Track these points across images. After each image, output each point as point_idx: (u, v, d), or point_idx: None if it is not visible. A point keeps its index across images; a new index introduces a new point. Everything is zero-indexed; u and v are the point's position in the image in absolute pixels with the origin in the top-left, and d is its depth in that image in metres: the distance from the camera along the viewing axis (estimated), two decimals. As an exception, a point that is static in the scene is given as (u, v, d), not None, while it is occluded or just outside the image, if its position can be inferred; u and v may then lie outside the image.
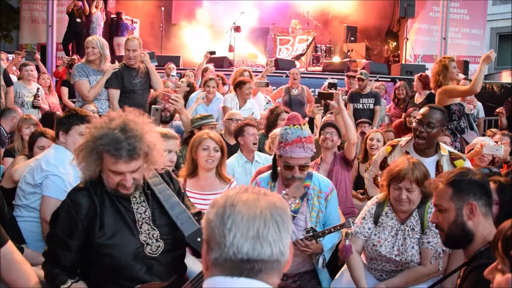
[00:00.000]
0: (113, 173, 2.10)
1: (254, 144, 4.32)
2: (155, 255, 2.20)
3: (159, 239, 2.22)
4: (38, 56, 8.70)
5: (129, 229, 2.18)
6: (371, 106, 7.19)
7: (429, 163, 3.24)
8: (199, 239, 2.16)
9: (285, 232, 1.24)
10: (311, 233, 2.78)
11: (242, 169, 4.24)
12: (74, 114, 3.16)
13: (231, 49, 11.84)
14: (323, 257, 2.89)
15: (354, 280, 2.85)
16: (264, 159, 4.32)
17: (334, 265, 3.13)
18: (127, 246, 2.15)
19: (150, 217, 2.24)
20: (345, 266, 3.03)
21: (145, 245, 2.19)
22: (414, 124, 3.40)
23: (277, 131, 3.44)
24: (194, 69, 8.06)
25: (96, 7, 10.95)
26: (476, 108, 6.82)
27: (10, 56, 8.07)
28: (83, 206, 2.16)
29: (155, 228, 2.23)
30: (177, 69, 8.44)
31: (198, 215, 2.34)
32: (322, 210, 2.95)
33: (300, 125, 2.85)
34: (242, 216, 1.21)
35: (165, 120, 4.51)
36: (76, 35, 10.54)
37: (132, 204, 2.23)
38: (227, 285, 1.19)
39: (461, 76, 7.73)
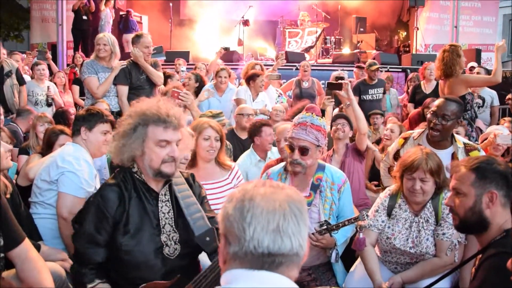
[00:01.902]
0: (160, 145, 2.16)
1: (270, 144, 4.30)
2: (172, 257, 2.22)
3: (177, 242, 2.25)
4: (49, 55, 8.79)
5: (152, 228, 2.21)
6: (380, 96, 7.15)
7: (444, 155, 3.19)
8: (208, 239, 2.19)
9: (303, 225, 1.24)
10: (325, 226, 2.78)
11: (256, 168, 4.21)
12: (98, 112, 3.18)
13: (240, 43, 11.81)
14: (336, 251, 2.89)
15: (368, 272, 2.84)
16: (277, 153, 4.30)
17: (348, 258, 3.12)
18: (148, 245, 2.17)
19: (173, 219, 2.26)
20: (359, 259, 3.02)
21: (164, 246, 2.21)
22: (428, 116, 3.35)
23: (279, 125, 3.39)
24: (204, 63, 8.06)
25: (105, 5, 10.98)
26: (490, 96, 6.73)
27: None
28: (114, 202, 2.19)
29: (176, 230, 2.26)
30: (187, 64, 8.44)
31: (213, 218, 2.33)
32: (335, 202, 2.94)
33: (312, 113, 2.86)
34: (261, 210, 1.21)
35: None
36: (82, 33, 10.59)
37: (159, 202, 2.25)
38: (248, 278, 1.19)
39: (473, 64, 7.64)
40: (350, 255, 3.10)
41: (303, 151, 2.81)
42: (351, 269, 3.09)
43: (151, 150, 2.17)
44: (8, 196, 2.60)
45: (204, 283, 1.99)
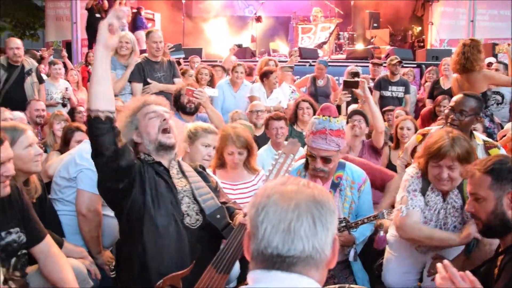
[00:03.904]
0: (150, 117, 2.30)
1: (277, 136, 4.28)
2: (194, 227, 2.24)
3: (198, 213, 2.28)
4: (65, 53, 8.87)
5: (171, 196, 2.24)
6: (400, 95, 7.00)
7: None
8: (218, 216, 2.25)
9: (322, 227, 1.14)
10: (344, 224, 2.76)
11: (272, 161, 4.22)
12: None
13: (253, 39, 11.81)
14: (354, 250, 2.86)
15: (443, 241, 2.61)
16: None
17: (367, 255, 3.10)
18: (170, 214, 2.20)
19: (190, 191, 2.31)
20: (385, 258, 2.98)
21: (185, 215, 2.24)
22: (446, 111, 3.29)
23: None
24: (211, 65, 8.03)
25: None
26: (509, 93, 6.62)
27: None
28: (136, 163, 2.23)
29: (194, 202, 2.29)
30: (201, 61, 8.46)
31: (224, 204, 2.40)
32: (355, 201, 2.91)
33: (330, 116, 2.77)
34: (275, 208, 1.14)
35: (189, 112, 4.53)
36: (96, 31, 10.64)
37: (173, 180, 2.30)
38: (267, 278, 1.14)
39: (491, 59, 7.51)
40: (369, 254, 3.08)
41: (326, 160, 2.77)
42: (385, 263, 3.06)
43: (145, 126, 2.30)
44: (34, 200, 2.63)
45: (224, 261, 2.03)
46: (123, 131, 2.27)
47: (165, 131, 2.30)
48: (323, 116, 2.79)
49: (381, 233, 2.75)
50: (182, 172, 2.38)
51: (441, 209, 2.70)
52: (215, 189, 2.46)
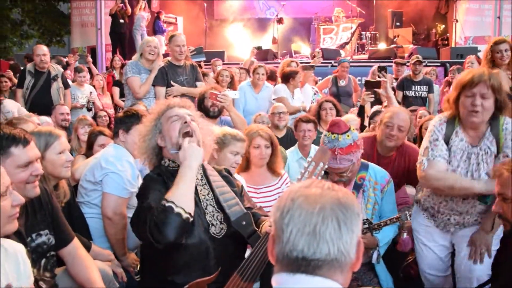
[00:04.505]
0: (172, 120, 2.27)
1: (304, 139, 4.27)
2: (219, 237, 2.20)
3: (222, 222, 2.24)
4: (90, 59, 9.08)
5: (196, 208, 2.16)
6: (424, 94, 6.91)
7: None
8: (244, 223, 2.19)
9: (346, 230, 1.14)
10: (367, 225, 2.75)
11: (296, 164, 4.21)
12: (135, 114, 3.24)
13: (274, 41, 11.82)
14: (377, 252, 2.83)
15: (465, 190, 2.56)
16: None
17: (391, 257, 3.07)
18: (196, 224, 2.15)
19: (213, 200, 2.27)
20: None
21: (210, 225, 2.20)
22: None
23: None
24: (229, 67, 8.08)
25: (140, 8, 11.23)
26: None
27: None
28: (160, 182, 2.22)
29: (218, 210, 2.25)
30: (223, 64, 8.52)
31: (250, 209, 2.34)
32: (378, 202, 2.89)
33: (338, 134, 2.72)
34: (300, 211, 1.15)
35: (213, 115, 4.58)
36: (119, 36, 10.87)
37: (197, 186, 2.25)
38: (291, 281, 1.15)
39: None
40: (393, 256, 3.05)
41: (342, 173, 2.76)
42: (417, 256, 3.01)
43: (167, 130, 2.27)
44: (63, 204, 2.70)
45: (249, 270, 2.00)
46: (148, 135, 2.30)
47: (186, 134, 2.25)
48: (332, 133, 2.74)
49: (405, 235, 2.72)
50: (206, 177, 2.33)
51: (471, 154, 2.61)
52: (240, 194, 2.41)
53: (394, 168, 3.34)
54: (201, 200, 2.25)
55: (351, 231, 1.15)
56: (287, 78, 5.95)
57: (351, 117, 4.45)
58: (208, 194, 2.29)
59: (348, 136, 2.71)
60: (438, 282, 2.97)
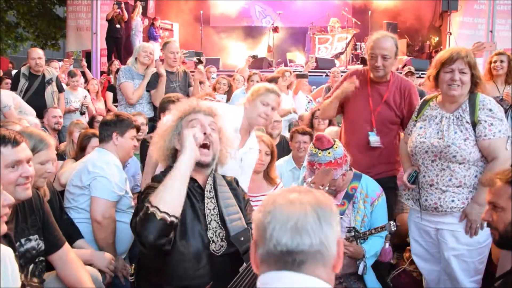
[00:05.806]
0: (192, 125, 2.20)
1: (300, 150, 4.23)
2: (217, 254, 2.16)
3: (223, 239, 2.19)
4: (84, 63, 9.06)
5: (199, 223, 2.17)
6: None
7: None
8: (242, 238, 2.15)
9: (326, 224, 1.20)
10: (353, 233, 2.76)
11: (290, 173, 4.21)
12: (128, 118, 3.26)
13: (269, 49, 11.87)
14: (364, 263, 2.83)
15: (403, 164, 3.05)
16: None
17: (380, 267, 3.07)
18: (196, 239, 2.13)
19: (218, 215, 2.22)
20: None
21: (211, 242, 2.16)
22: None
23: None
24: (229, 74, 8.09)
25: (137, 13, 11.25)
26: None
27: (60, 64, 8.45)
28: None
29: (221, 227, 2.21)
30: (217, 71, 8.54)
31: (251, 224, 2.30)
32: (367, 215, 2.90)
33: (319, 149, 2.76)
34: (281, 210, 1.21)
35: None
36: (115, 41, 10.87)
37: (204, 199, 2.23)
38: (273, 282, 1.18)
39: None
40: (382, 266, 3.05)
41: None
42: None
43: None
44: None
45: (241, 286, 1.98)
46: (168, 136, 2.25)
47: (204, 146, 2.17)
48: (314, 148, 2.79)
49: (387, 245, 2.73)
50: (215, 189, 2.27)
51: (443, 117, 2.79)
52: (245, 207, 2.36)
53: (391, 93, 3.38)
54: (206, 215, 2.21)
55: (331, 225, 1.21)
56: (271, 82, 5.99)
57: (334, 130, 4.46)
58: (214, 208, 2.24)
59: (329, 153, 2.76)
60: (433, 277, 3.01)
